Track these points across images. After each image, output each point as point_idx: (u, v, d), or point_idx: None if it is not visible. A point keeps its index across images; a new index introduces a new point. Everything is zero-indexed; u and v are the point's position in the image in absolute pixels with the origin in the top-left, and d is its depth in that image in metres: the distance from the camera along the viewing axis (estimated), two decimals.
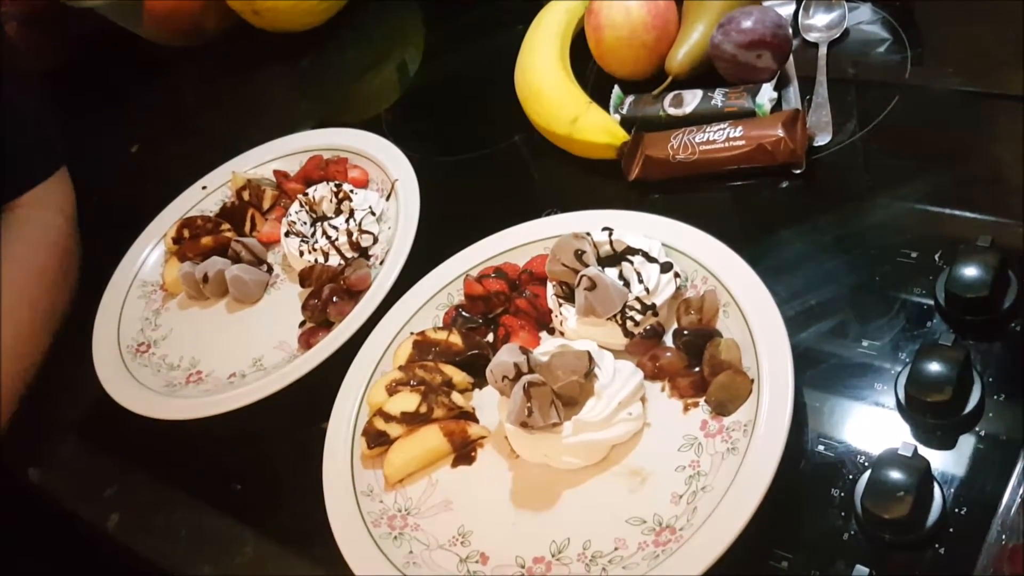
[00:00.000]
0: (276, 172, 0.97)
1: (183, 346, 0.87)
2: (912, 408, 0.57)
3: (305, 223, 0.88)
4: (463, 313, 0.75)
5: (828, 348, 0.63)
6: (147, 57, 1.32)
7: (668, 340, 0.67)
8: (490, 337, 0.74)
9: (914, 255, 0.65)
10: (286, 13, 1.16)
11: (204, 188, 1.00)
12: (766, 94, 0.79)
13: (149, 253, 0.96)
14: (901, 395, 0.57)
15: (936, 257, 0.64)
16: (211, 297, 0.89)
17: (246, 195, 0.95)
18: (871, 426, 0.58)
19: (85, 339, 0.88)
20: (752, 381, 0.61)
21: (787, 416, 0.57)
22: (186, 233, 0.93)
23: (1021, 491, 0.52)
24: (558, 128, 0.84)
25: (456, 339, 0.72)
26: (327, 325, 0.80)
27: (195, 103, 1.27)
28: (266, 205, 0.95)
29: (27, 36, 1.29)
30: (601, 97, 0.86)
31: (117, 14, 1.23)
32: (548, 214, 0.79)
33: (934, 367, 0.55)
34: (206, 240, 0.91)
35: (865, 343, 0.62)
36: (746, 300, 0.65)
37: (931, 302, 0.62)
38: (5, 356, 0.84)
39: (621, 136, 0.81)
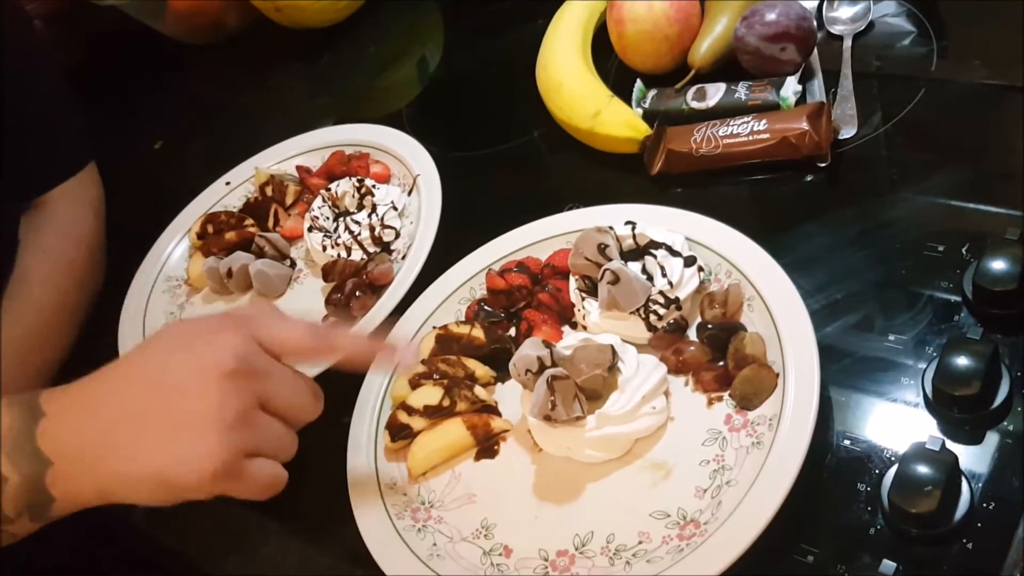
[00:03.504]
0: (299, 168, 0.98)
1: None
2: (939, 403, 0.56)
3: (328, 218, 0.88)
4: (485, 307, 0.75)
5: (854, 342, 0.63)
6: (169, 54, 1.33)
7: (692, 334, 0.67)
8: (512, 331, 0.74)
9: (941, 248, 0.64)
10: (307, 10, 1.17)
11: (228, 184, 1.01)
12: (790, 87, 0.79)
13: (174, 248, 0.97)
14: (928, 390, 0.57)
15: (963, 251, 0.63)
16: (235, 292, 0.90)
17: (269, 191, 0.95)
18: (897, 421, 0.58)
19: (111, 333, 0.89)
20: (777, 375, 0.60)
21: (813, 410, 0.57)
22: (210, 229, 0.94)
23: None
24: (580, 122, 0.84)
25: (479, 333, 0.72)
26: (350, 319, 0.80)
27: (217, 100, 1.28)
28: (289, 200, 0.95)
29: (50, 33, 1.31)
30: (623, 91, 0.86)
31: (140, 12, 1.24)
32: (570, 208, 0.79)
33: (961, 361, 0.55)
34: (230, 235, 0.92)
35: (891, 337, 0.61)
36: (771, 294, 0.64)
37: (958, 296, 0.61)
38: (31, 347, 0.85)
39: (643, 130, 0.81)
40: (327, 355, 0.63)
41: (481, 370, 0.71)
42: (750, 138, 0.75)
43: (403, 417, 0.69)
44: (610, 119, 0.83)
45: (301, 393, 0.59)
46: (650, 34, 0.85)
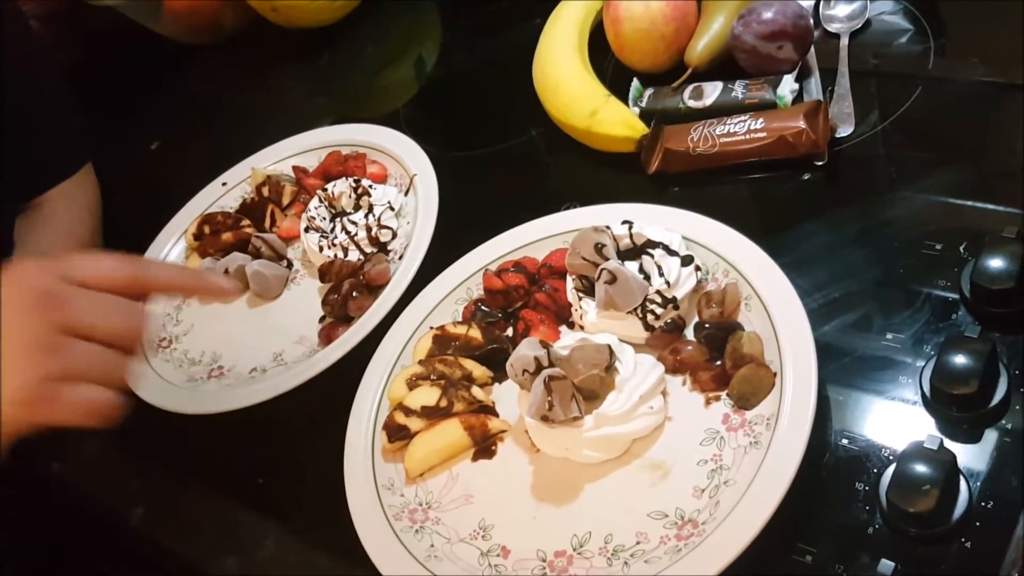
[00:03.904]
0: (295, 168, 0.98)
1: (205, 341, 0.87)
2: (937, 401, 0.56)
3: (324, 219, 0.88)
4: (482, 307, 0.75)
5: (851, 341, 0.62)
6: (167, 54, 1.33)
7: (689, 333, 0.67)
8: (509, 331, 0.74)
9: (938, 247, 0.64)
10: (303, 10, 1.17)
11: (224, 184, 1.01)
12: (787, 86, 0.78)
13: (170, 249, 0.97)
14: (926, 388, 0.57)
15: (961, 249, 0.63)
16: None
17: (266, 191, 0.95)
18: (895, 420, 0.58)
19: None
20: (775, 374, 0.60)
21: (810, 409, 0.56)
22: (207, 229, 0.94)
23: None
24: (577, 121, 0.84)
25: (476, 333, 0.72)
26: (347, 320, 0.80)
27: (213, 100, 1.28)
28: (285, 201, 0.95)
29: (47, 33, 1.30)
30: (620, 90, 0.86)
31: (137, 12, 1.23)
32: (567, 208, 0.79)
33: (959, 359, 0.55)
34: (226, 236, 0.92)
35: (889, 336, 0.61)
36: (768, 293, 0.64)
37: (956, 295, 0.61)
38: None
39: (640, 129, 0.81)
40: (142, 285, 0.61)
41: (478, 370, 0.71)
42: (747, 137, 0.75)
43: (400, 418, 0.68)
44: (607, 118, 0.82)
45: (115, 313, 0.58)
46: (647, 33, 0.85)
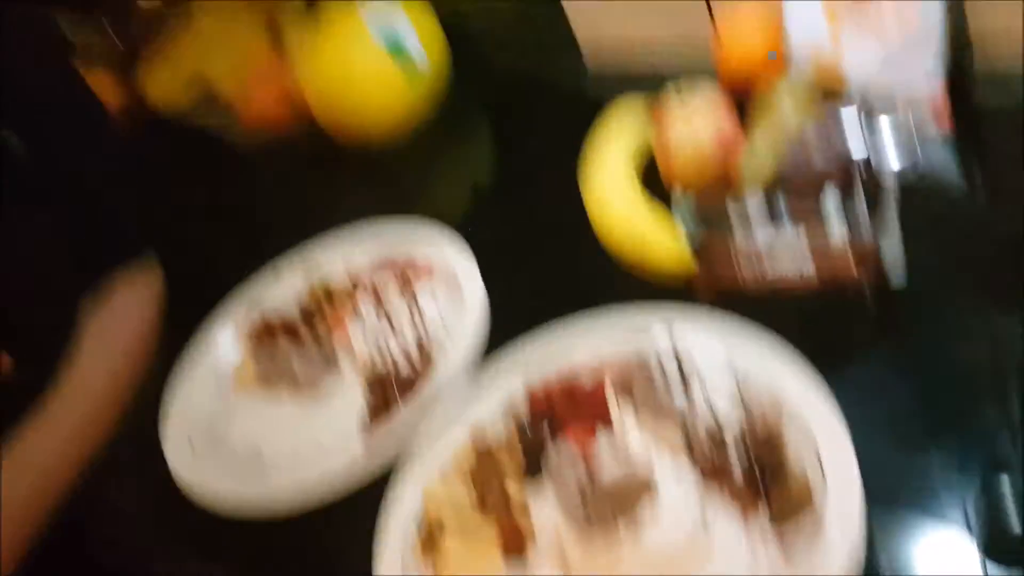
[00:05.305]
0: (346, 265, 1.01)
1: (249, 436, 0.88)
2: (990, 542, 0.55)
3: (373, 318, 0.90)
4: (523, 413, 0.76)
5: (900, 479, 0.62)
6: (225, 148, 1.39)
7: (732, 453, 0.67)
8: (548, 437, 0.73)
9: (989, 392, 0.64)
10: (368, 136, 1.22)
11: (276, 275, 1.03)
12: (837, 224, 0.79)
13: (220, 338, 0.99)
14: (978, 528, 0.56)
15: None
16: (279, 388, 0.91)
17: (317, 288, 0.98)
18: (942, 555, 0.57)
19: (154, 422, 0.90)
20: (817, 503, 0.60)
21: (855, 547, 0.56)
22: (258, 322, 0.97)
23: None
24: (626, 246, 0.87)
25: (515, 439, 0.72)
26: (390, 419, 0.81)
27: (270, 191, 1.31)
28: (336, 299, 0.97)
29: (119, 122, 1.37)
30: (668, 209, 0.88)
31: (209, 120, 1.30)
32: (609, 309, 0.79)
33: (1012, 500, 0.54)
34: (276, 330, 0.94)
35: (937, 469, 0.61)
36: (814, 423, 0.64)
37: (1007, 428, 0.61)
38: (79, 432, 0.86)
39: (688, 261, 0.82)
40: None
41: (515, 478, 0.71)
42: (798, 279, 0.77)
43: (435, 517, 0.69)
44: (656, 246, 0.85)
45: None
46: (694, 159, 0.88)
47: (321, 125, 1.24)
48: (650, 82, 0.99)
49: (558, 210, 0.99)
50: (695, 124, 0.88)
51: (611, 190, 0.92)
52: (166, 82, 1.41)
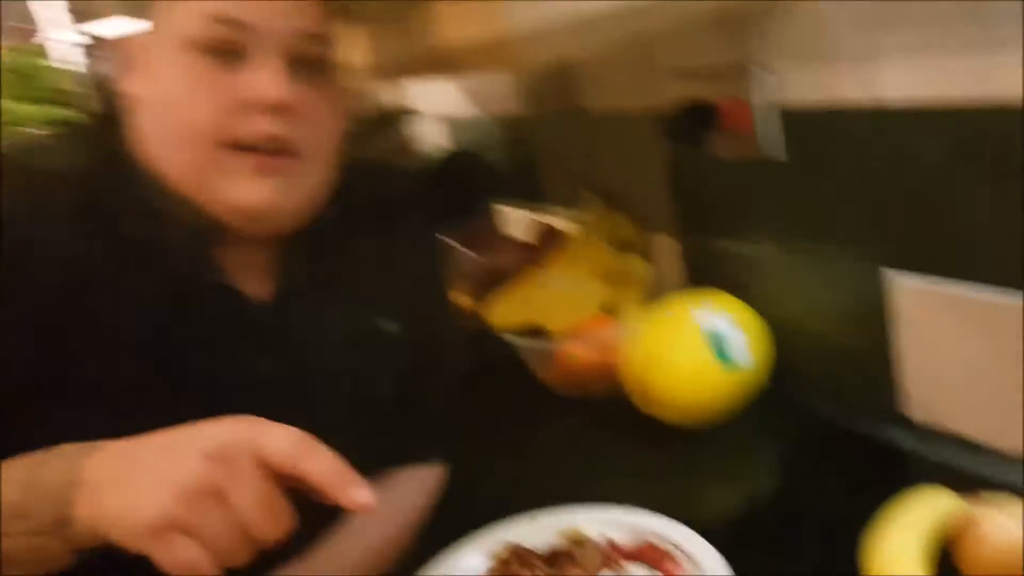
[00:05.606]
0: (606, 536, 1.01)
1: None
2: None
3: None
4: None
5: None
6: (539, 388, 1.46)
7: None
8: None
9: None
10: (676, 413, 1.27)
11: (534, 519, 1.05)
12: None
13: (471, 563, 1.01)
14: None
15: None
16: None
17: (574, 547, 0.99)
18: None
19: None
20: None
21: None
22: (512, 559, 0.99)
23: None
24: None
25: None
26: None
27: (543, 434, 1.37)
28: (589, 564, 0.98)
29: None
30: None
31: (530, 355, 1.41)
32: None
33: None
34: (526, 572, 0.96)
35: None
36: None
37: None
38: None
39: None
40: (301, 475, 0.61)
41: None
42: None
43: None
44: None
45: (265, 515, 0.59)
46: (1004, 561, 0.81)
47: (630, 395, 1.30)
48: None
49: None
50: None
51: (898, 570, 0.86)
52: (505, 314, 1.57)
